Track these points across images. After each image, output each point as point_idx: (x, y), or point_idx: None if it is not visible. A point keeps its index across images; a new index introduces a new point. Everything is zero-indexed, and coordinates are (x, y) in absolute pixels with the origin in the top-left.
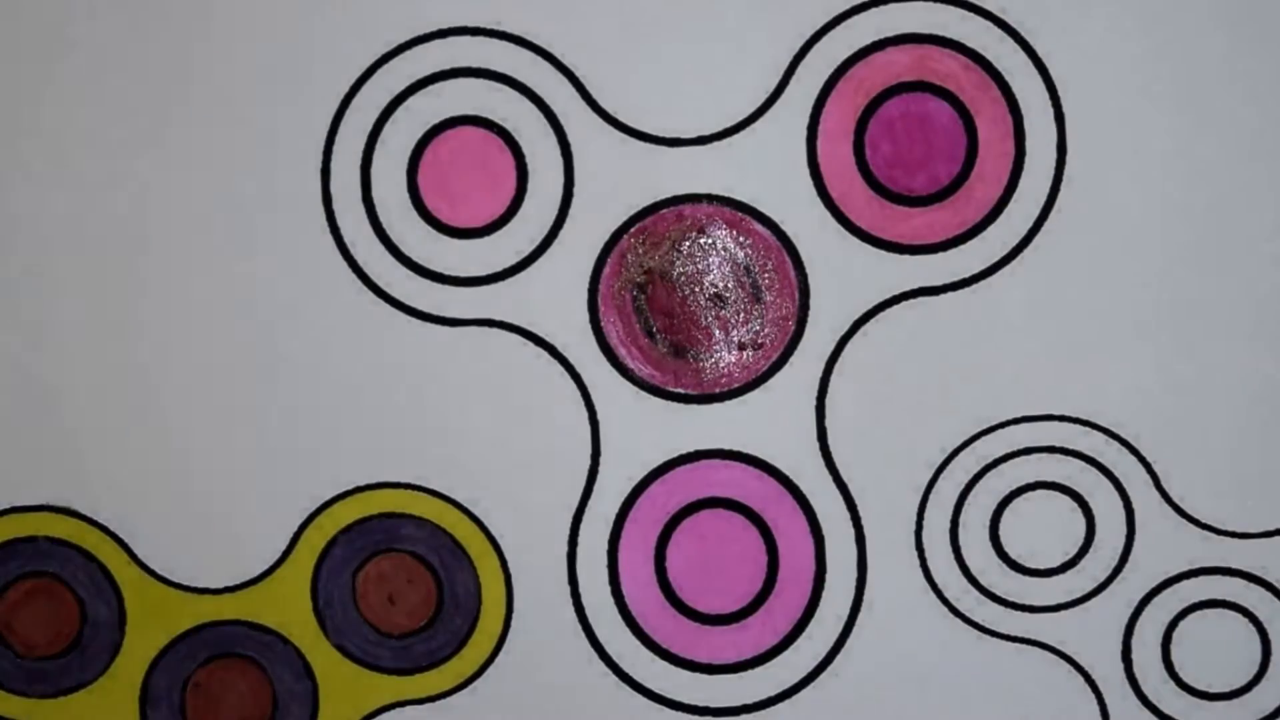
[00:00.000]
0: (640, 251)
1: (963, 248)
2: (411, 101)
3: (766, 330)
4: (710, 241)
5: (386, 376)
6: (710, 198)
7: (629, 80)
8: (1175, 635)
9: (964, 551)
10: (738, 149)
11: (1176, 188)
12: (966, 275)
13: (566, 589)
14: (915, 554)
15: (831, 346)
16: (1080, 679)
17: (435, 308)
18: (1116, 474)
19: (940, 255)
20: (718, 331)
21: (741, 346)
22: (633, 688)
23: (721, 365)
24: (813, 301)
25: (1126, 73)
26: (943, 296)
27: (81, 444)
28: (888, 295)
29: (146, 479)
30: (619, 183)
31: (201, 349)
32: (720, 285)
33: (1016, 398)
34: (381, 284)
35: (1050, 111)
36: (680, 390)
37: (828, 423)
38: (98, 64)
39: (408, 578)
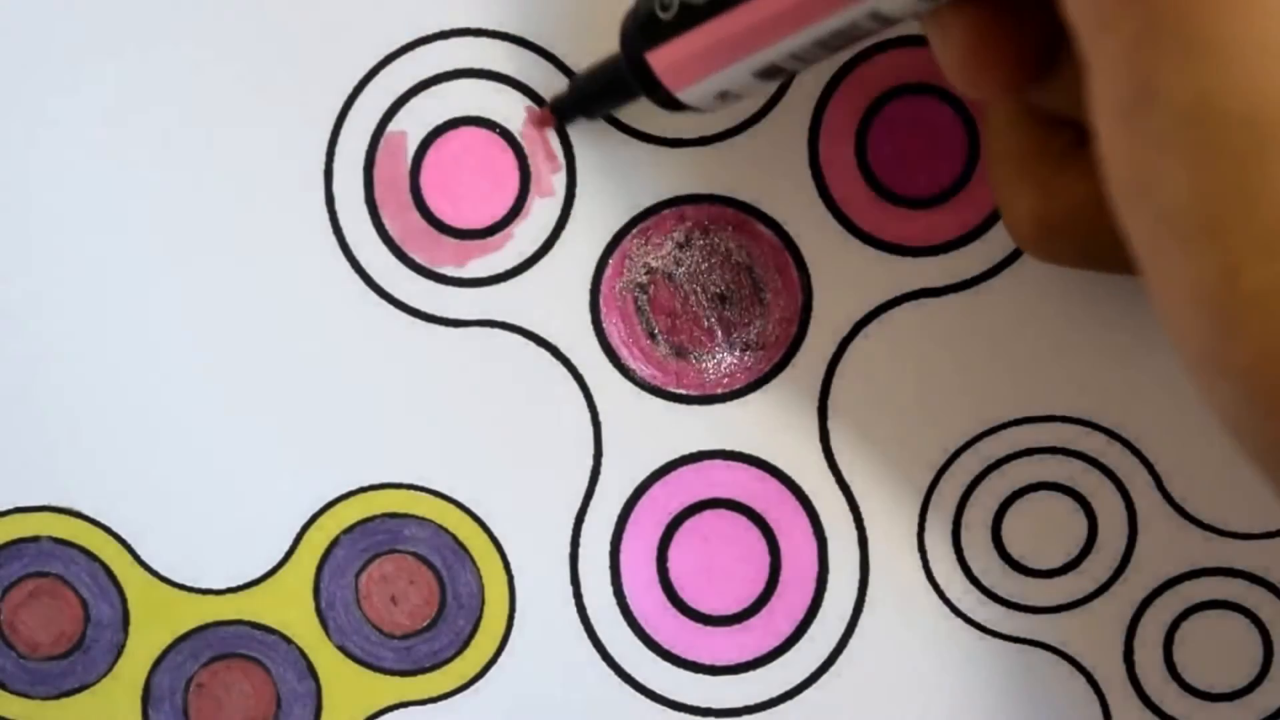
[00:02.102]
0: (642, 252)
1: (965, 249)
2: (414, 102)
3: (769, 331)
4: (712, 242)
5: (389, 377)
6: (712, 198)
7: None
8: (1177, 636)
9: (966, 552)
10: (740, 150)
11: None
12: (969, 276)
13: (569, 589)
14: (918, 555)
15: (834, 347)
16: (1082, 680)
17: (437, 309)
18: (1119, 475)
19: (942, 256)
20: (720, 332)
21: (744, 347)
22: (635, 688)
23: (724, 366)
24: (815, 302)
25: None
26: (945, 298)
27: (84, 444)
28: (890, 296)
29: (149, 479)
30: (621, 183)
31: (204, 349)
32: (722, 286)
33: (1018, 398)
34: (384, 285)
35: None
36: (682, 391)
37: (830, 424)
38: (96, 63)
39: (410, 578)
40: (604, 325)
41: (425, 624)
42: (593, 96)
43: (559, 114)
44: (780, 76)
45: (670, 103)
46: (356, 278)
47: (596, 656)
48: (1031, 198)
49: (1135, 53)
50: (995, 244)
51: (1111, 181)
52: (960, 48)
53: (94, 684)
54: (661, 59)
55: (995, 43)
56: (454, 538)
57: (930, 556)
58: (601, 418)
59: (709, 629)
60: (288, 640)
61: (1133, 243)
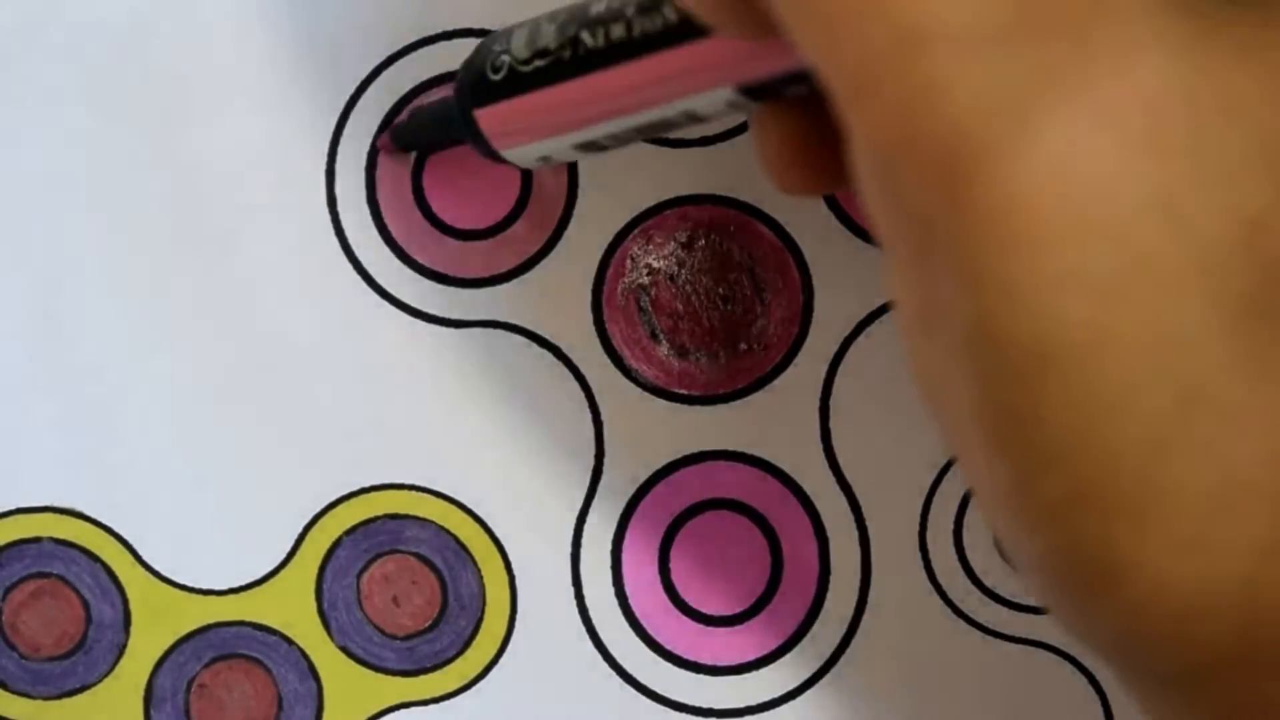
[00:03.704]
0: (644, 253)
1: None
2: (417, 103)
3: (770, 331)
4: (714, 243)
5: (390, 378)
6: (714, 199)
7: None
8: None
9: (968, 552)
10: (742, 150)
11: None
12: None
13: (570, 590)
14: (919, 555)
15: (835, 347)
16: (1083, 680)
17: (439, 309)
18: None
19: None
20: (722, 332)
21: (745, 347)
22: (636, 688)
23: (725, 366)
24: (816, 302)
25: None
26: None
27: (85, 445)
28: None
29: (150, 480)
30: (623, 184)
31: (206, 350)
32: (724, 287)
33: None
34: (386, 285)
35: None
36: (684, 391)
37: (831, 424)
38: (95, 62)
39: (412, 579)
40: (606, 325)
41: (427, 624)
42: (427, 132)
43: (397, 142)
44: (603, 151)
45: (495, 156)
46: (358, 278)
47: (598, 657)
48: None
49: (921, 267)
50: None
51: (912, 373)
52: (773, 149)
53: (95, 684)
54: (488, 118)
55: (807, 150)
56: (455, 538)
57: (932, 556)
58: (603, 418)
59: (710, 629)
60: (289, 641)
61: (939, 429)
